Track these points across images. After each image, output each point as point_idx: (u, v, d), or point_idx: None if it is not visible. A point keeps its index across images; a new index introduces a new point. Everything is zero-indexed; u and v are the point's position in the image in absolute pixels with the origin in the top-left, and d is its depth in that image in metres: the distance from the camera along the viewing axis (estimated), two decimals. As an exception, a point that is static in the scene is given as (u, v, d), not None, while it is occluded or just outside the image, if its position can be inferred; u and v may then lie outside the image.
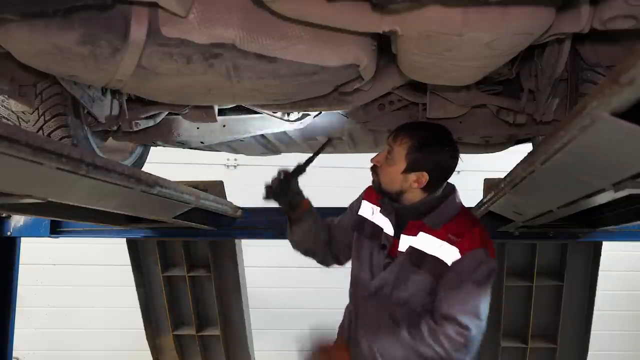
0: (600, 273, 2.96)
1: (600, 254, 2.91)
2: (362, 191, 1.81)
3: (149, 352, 3.42)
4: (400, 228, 1.60)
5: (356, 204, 1.79)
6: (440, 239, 1.51)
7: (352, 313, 1.69)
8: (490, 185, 2.04)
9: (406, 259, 1.55)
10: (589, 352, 3.11)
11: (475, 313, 1.45)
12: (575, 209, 1.48)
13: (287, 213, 1.76)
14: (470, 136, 2.07)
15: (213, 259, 3.13)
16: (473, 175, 4.88)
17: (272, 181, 1.72)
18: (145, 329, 3.35)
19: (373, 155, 1.62)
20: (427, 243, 1.53)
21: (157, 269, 3.17)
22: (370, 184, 1.65)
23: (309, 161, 1.77)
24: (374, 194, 1.70)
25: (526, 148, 1.98)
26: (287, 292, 5.32)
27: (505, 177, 1.59)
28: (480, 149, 2.28)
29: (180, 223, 2.28)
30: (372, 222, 1.68)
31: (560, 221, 2.27)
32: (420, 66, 1.31)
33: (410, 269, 1.54)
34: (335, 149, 2.46)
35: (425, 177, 1.49)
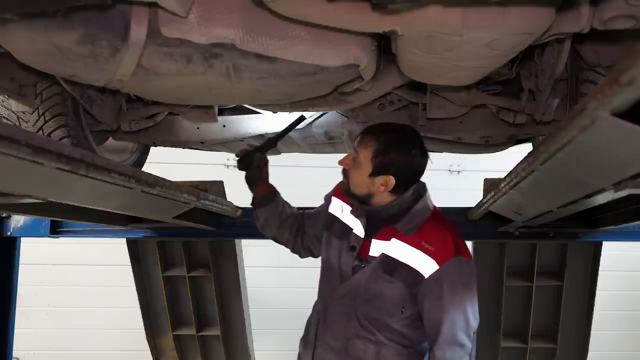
0: (600, 273, 2.96)
1: (600, 254, 2.91)
2: (334, 186, 1.78)
3: (149, 352, 3.42)
4: (372, 231, 1.58)
5: (329, 198, 1.77)
6: (414, 247, 1.49)
7: (321, 313, 1.67)
8: (490, 185, 2.04)
9: (378, 266, 1.53)
10: (589, 352, 3.11)
11: (469, 326, 1.48)
12: (575, 209, 1.48)
13: (250, 188, 1.80)
14: (470, 136, 2.07)
15: (213, 259, 3.12)
16: (473, 175, 4.89)
17: (240, 151, 1.76)
18: (145, 329, 3.35)
19: None
20: (400, 250, 1.51)
21: (157, 269, 3.17)
22: (342, 185, 1.62)
23: (278, 137, 1.79)
24: None
25: (526, 148, 1.99)
26: (287, 292, 5.32)
27: (505, 177, 1.58)
28: (480, 149, 2.28)
29: (180, 223, 2.28)
30: (342, 221, 1.66)
31: (560, 221, 2.27)
32: (421, 66, 1.31)
33: (382, 276, 1.52)
34: (335, 149, 2.46)
35: (391, 180, 1.47)
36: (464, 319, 1.47)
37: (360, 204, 1.58)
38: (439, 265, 1.46)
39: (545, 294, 3.01)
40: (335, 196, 1.73)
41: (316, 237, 1.81)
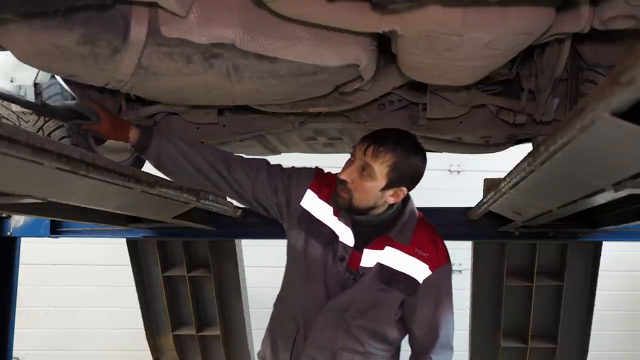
0: (600, 273, 2.96)
1: (600, 254, 2.91)
2: (304, 171, 1.59)
3: (149, 352, 3.42)
4: (361, 239, 1.50)
5: (295, 183, 1.55)
6: (409, 254, 1.48)
7: (301, 324, 1.58)
8: (490, 185, 2.03)
9: (375, 277, 1.48)
10: (589, 352, 3.11)
11: (453, 329, 1.55)
12: (575, 209, 1.48)
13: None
14: (470, 136, 2.07)
15: (213, 259, 3.13)
16: (473, 175, 4.88)
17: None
18: (145, 329, 3.35)
19: None
20: (396, 259, 1.48)
21: (157, 269, 3.17)
22: (338, 199, 1.44)
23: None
24: (326, 189, 1.52)
25: (526, 148, 1.98)
26: (287, 292, 5.31)
27: (505, 177, 1.59)
28: (480, 149, 2.28)
29: (180, 223, 2.28)
30: (326, 225, 1.52)
31: (560, 221, 2.27)
32: (420, 66, 1.31)
33: (379, 287, 1.49)
34: (335, 149, 2.46)
35: (404, 191, 1.43)
36: (453, 323, 1.53)
37: (353, 214, 1.49)
38: (432, 271, 1.48)
39: (545, 294, 3.01)
40: (313, 190, 1.55)
41: (240, 196, 1.56)
